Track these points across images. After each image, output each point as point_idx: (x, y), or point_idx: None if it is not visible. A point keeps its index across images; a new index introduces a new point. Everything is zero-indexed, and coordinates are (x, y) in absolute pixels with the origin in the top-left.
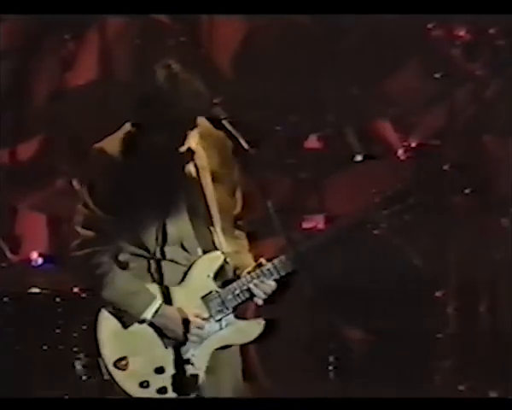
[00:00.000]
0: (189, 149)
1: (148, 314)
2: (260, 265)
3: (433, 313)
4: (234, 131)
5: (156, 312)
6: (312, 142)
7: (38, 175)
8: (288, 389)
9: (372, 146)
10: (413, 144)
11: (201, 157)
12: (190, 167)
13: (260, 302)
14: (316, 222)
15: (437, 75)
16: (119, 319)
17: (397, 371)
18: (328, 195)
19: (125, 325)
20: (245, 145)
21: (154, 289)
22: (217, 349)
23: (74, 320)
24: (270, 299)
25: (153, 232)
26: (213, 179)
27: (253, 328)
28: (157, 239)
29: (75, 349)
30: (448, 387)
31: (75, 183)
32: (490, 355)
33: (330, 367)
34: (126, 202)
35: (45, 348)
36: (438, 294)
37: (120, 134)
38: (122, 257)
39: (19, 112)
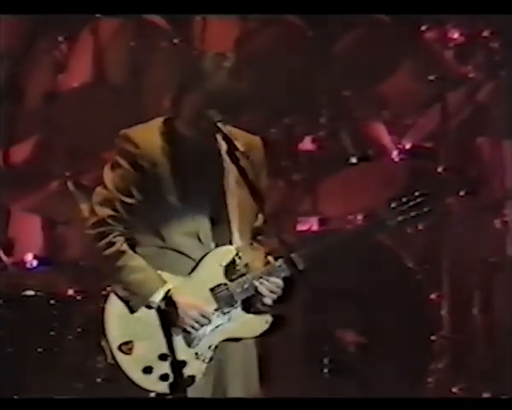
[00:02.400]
0: (218, 148)
1: (156, 298)
2: (268, 263)
3: (427, 316)
4: (228, 133)
5: (164, 297)
6: (307, 144)
7: (33, 177)
8: (283, 391)
9: (366, 148)
10: (407, 146)
11: (228, 158)
12: (217, 164)
13: (269, 301)
14: (310, 224)
15: (431, 77)
16: (127, 303)
17: (391, 373)
18: (323, 197)
19: (133, 310)
20: (240, 147)
21: (165, 276)
22: (223, 341)
23: (69, 323)
24: (279, 298)
25: (169, 221)
26: (237, 182)
27: (259, 323)
28: (173, 229)
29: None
30: (442, 389)
31: (69, 184)
32: (483, 357)
33: (325, 369)
34: (147, 189)
35: (40, 350)
36: (432, 296)
37: (153, 124)
38: (136, 242)
39: (12, 113)
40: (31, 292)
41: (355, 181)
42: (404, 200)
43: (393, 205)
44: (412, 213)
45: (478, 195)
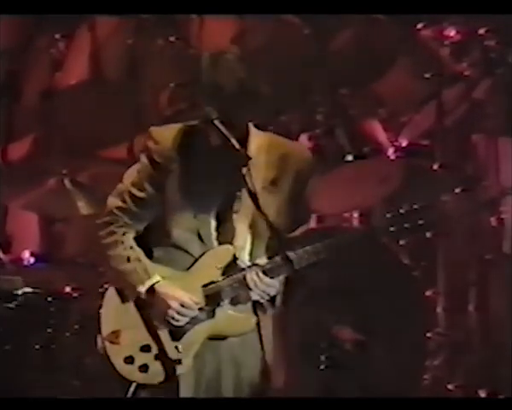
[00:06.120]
0: (246, 153)
1: (142, 288)
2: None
3: (423, 312)
4: (225, 131)
5: (152, 287)
6: (303, 141)
7: (30, 174)
8: (280, 388)
9: (362, 146)
10: (403, 144)
11: (258, 166)
12: (243, 170)
13: (263, 301)
14: None
15: (427, 75)
16: (120, 292)
17: (387, 371)
18: (319, 194)
19: (123, 300)
20: (236, 145)
21: (161, 270)
22: (209, 339)
23: (66, 320)
24: (274, 298)
25: (173, 217)
26: (264, 190)
27: (245, 322)
28: (175, 224)
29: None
30: (437, 385)
31: (66, 182)
32: (479, 355)
33: (321, 366)
34: (159, 185)
35: (37, 347)
36: (428, 293)
37: (179, 125)
38: (141, 235)
39: (10, 111)
40: (28, 289)
41: (351, 179)
42: (401, 211)
43: (389, 215)
44: (406, 226)
45: (474, 192)
